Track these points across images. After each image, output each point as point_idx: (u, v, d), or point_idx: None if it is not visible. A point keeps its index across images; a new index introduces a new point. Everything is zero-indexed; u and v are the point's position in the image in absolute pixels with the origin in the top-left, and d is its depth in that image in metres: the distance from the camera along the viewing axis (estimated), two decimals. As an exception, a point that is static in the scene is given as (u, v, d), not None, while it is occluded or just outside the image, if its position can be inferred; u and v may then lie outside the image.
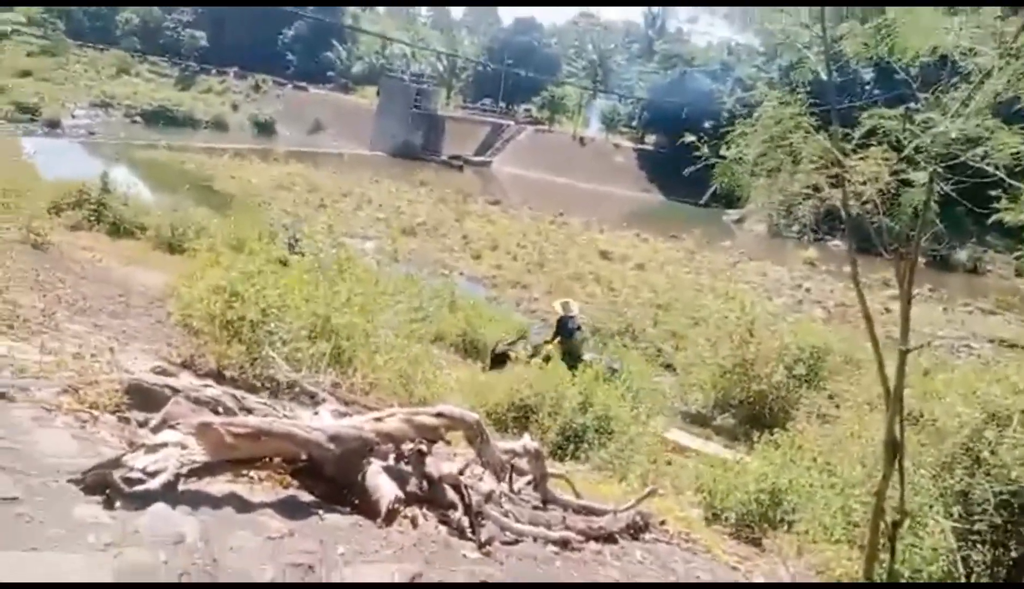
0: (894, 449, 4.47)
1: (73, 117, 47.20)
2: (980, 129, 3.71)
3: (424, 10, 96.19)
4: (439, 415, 3.86)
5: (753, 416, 11.00)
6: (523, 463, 4.59)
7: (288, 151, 45.11)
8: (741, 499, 5.64)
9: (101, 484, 2.39)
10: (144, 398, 3.61)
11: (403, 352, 9.11)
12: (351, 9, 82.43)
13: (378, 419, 3.69)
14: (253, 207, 23.89)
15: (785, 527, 5.46)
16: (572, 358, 10.98)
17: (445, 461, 4.06)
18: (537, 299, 21.13)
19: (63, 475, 2.44)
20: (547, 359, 10.44)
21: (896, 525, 4.49)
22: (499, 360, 12.14)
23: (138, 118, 52.12)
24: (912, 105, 4.19)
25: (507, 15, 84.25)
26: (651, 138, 58.32)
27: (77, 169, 21.74)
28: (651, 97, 58.48)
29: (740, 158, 4.53)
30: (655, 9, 79.95)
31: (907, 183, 4.24)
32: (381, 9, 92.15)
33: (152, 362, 5.94)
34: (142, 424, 3.32)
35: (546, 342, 12.31)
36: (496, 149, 57.74)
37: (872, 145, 4.19)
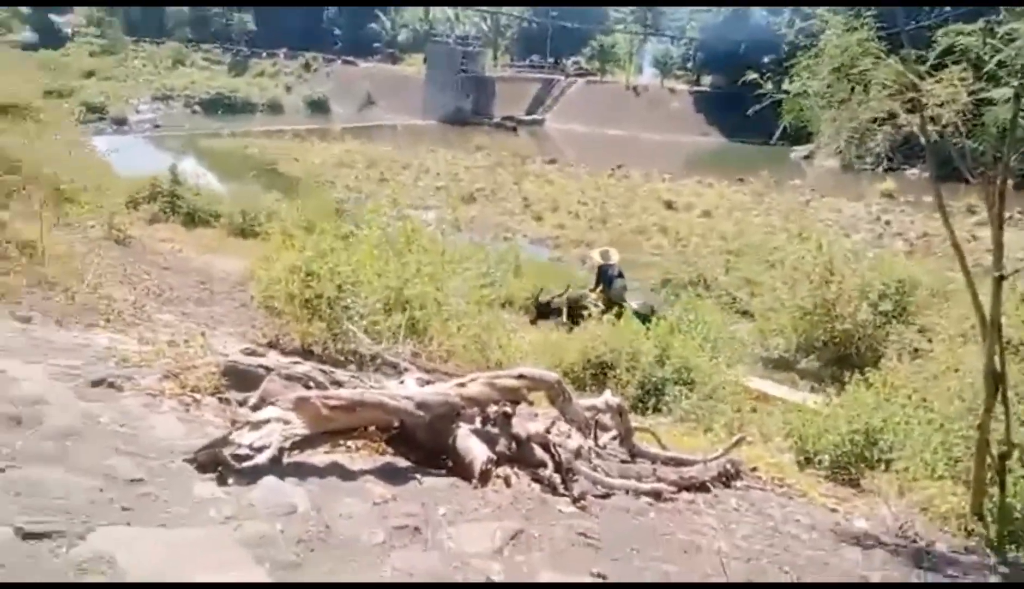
0: (995, 380, 4.25)
1: (137, 112, 48.85)
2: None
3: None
4: (520, 377, 3.88)
5: (839, 357, 10.64)
6: (607, 419, 4.59)
7: (344, 128, 45.64)
8: (834, 441, 5.49)
9: (213, 462, 2.52)
10: (239, 379, 3.77)
11: (475, 319, 9.21)
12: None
13: (461, 384, 3.75)
14: (318, 187, 24.37)
15: (883, 466, 5.29)
16: (616, 305, 10.90)
17: (531, 421, 4.10)
18: (602, 256, 20.96)
19: (177, 456, 2.58)
20: (605, 309, 10.24)
21: (1004, 458, 4.29)
22: (543, 312, 12.24)
23: (197, 107, 53.54)
24: (993, 17, 3.89)
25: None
26: (707, 79, 56.23)
27: (147, 163, 22.61)
28: (705, 37, 56.22)
29: (806, 91, 4.31)
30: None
31: (989, 102, 3.96)
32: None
33: (241, 344, 6.19)
34: (241, 403, 3.47)
35: (590, 290, 12.17)
36: (548, 106, 56.88)
37: (948, 65, 3.92)
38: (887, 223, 25.94)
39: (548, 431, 3.85)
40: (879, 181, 30.62)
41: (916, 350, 10.14)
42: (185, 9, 73.72)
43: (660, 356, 8.31)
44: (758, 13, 51.66)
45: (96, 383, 3.50)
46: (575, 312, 11.07)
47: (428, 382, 4.33)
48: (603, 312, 10.11)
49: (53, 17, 69.83)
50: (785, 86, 4.55)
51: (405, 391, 3.57)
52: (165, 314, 8.45)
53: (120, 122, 44.51)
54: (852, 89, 4.22)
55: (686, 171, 34.90)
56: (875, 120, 4.20)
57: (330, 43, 71.27)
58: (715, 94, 51.86)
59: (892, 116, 4.16)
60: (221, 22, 72.08)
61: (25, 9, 68.53)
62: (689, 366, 8.14)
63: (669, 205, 26.99)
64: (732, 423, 6.66)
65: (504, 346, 8.94)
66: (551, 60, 65.31)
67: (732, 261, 18.28)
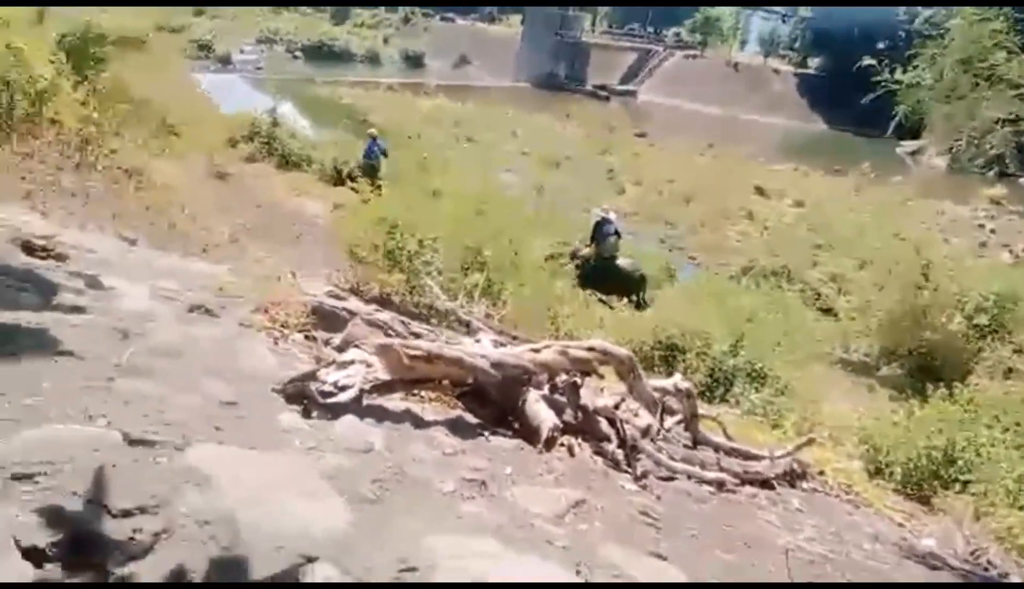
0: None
1: (241, 52, 50.27)
2: None
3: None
4: (592, 349, 3.89)
5: (924, 368, 10.14)
6: (674, 402, 4.55)
7: (437, 85, 45.88)
8: (909, 454, 5.28)
9: (299, 395, 2.66)
10: (325, 319, 3.93)
11: (548, 286, 9.25)
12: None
13: (535, 350, 3.79)
14: (405, 140, 24.71)
15: (959, 488, 5.07)
16: (605, 261, 11.89)
17: (598, 395, 4.11)
18: (685, 236, 20.48)
19: (267, 384, 2.73)
20: (586, 262, 11.73)
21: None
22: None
23: (299, 53, 54.85)
24: None
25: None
26: (814, 62, 53.50)
27: (247, 102, 23.37)
28: (816, 16, 53.33)
29: (921, 82, 4.05)
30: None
31: None
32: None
33: (325, 286, 6.42)
34: (326, 342, 3.62)
35: (585, 246, 12.50)
36: (642, 77, 55.49)
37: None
38: (992, 231, 24.30)
39: (616, 407, 3.86)
40: (988, 186, 28.62)
41: (1010, 370, 9.58)
42: (294, -47, 75.02)
43: (733, 345, 8.13)
44: (877, -5, 48.56)
45: (194, 307, 3.72)
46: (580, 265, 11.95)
47: (502, 344, 4.40)
48: (592, 266, 11.57)
49: (172, -47, 72.37)
50: (900, 76, 4.30)
51: (481, 349, 3.64)
52: (257, 250, 8.85)
53: (224, 61, 46.01)
54: (976, 85, 3.95)
55: (782, 156, 33.51)
56: (997, 120, 3.93)
57: (431, -1, 71.46)
58: (821, 78, 49.36)
59: (1018, 118, 3.88)
60: (328, -32, 73.01)
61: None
62: (763, 359, 7.94)
63: (760, 190, 26.03)
64: (803, 422, 6.49)
65: (575, 316, 8.95)
66: (651, 30, 63.50)
67: (820, 255, 17.57)
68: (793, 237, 19.53)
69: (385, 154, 16.07)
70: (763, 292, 11.88)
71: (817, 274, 15.93)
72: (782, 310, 10.37)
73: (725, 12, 60.75)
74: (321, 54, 54.82)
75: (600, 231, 12.43)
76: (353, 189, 12.50)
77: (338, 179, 15.99)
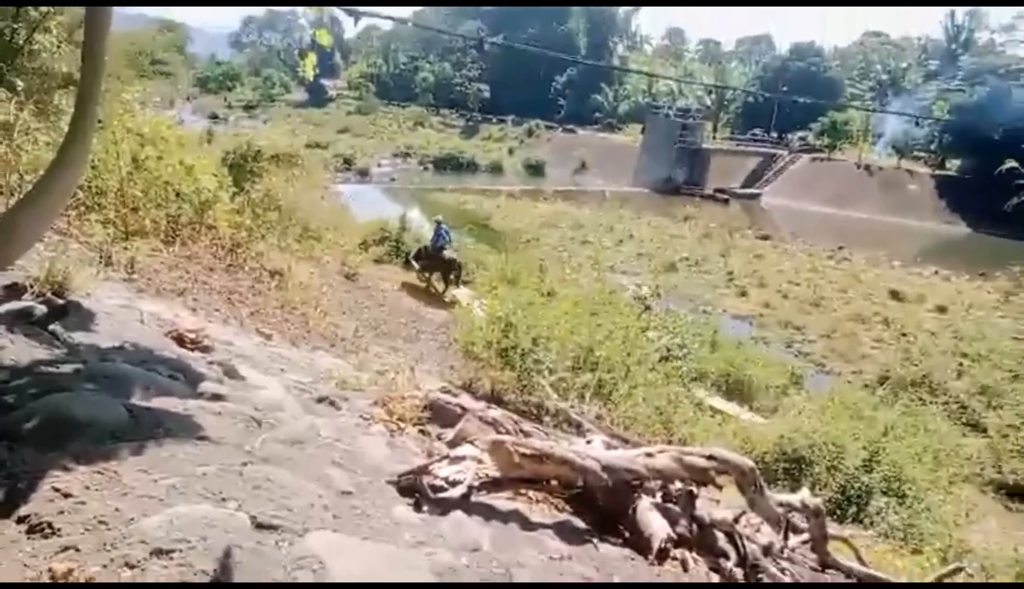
0: None
1: (379, 166, 54.81)
2: None
3: (693, 44, 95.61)
4: (710, 457, 3.72)
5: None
6: (800, 520, 4.23)
7: (555, 191, 47.52)
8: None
9: (412, 488, 2.72)
10: (439, 414, 4.04)
11: (663, 389, 9.01)
12: (619, 50, 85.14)
13: (648, 454, 3.68)
14: (523, 244, 25.52)
15: None
16: (435, 252, 16.98)
17: (717, 507, 3.90)
18: (813, 341, 19.46)
19: (382, 476, 2.82)
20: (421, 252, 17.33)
21: None
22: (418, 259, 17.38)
23: (429, 165, 58.95)
24: None
25: (783, 41, 79.65)
26: (953, 163, 50.89)
27: (381, 211, 25.18)
28: (955, 117, 51.14)
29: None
30: (959, 20, 70.20)
31: None
32: (648, 48, 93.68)
33: (439, 382, 6.61)
34: (439, 437, 3.71)
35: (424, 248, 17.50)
36: (766, 180, 54.83)
37: None
38: None
39: (736, 521, 3.64)
40: None
41: None
42: (430, 77, 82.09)
43: (868, 460, 7.50)
44: (1021, 94, 46.09)
45: (320, 399, 3.95)
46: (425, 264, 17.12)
47: (613, 446, 4.31)
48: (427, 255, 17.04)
49: (323, 81, 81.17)
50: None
51: (592, 451, 3.59)
52: (378, 346, 9.30)
53: (363, 173, 50.20)
54: None
55: (919, 260, 31.60)
56: None
57: (555, 112, 75.26)
58: (962, 179, 46.74)
59: None
60: (460, 90, 79.08)
61: (301, 73, 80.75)
62: (902, 477, 7.25)
63: (895, 295, 24.54)
64: (949, 549, 5.80)
65: (691, 422, 8.63)
66: (775, 134, 63.26)
67: (967, 365, 16.09)
68: (934, 345, 18.09)
69: (450, 239, 17.86)
70: (902, 404, 10.97)
71: (963, 386, 14.56)
72: (923, 424, 9.50)
73: (854, 115, 59.65)
74: (450, 165, 58.58)
75: (435, 232, 17.42)
76: (424, 280, 16.73)
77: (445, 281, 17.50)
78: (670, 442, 7.15)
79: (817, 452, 7.75)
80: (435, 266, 17.00)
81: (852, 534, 5.61)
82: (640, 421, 7.72)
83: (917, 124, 55.92)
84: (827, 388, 13.85)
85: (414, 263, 17.31)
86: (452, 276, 16.81)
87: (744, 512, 3.71)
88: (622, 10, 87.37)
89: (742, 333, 19.52)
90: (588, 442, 4.11)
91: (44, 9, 11.96)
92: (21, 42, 11.49)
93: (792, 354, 18.35)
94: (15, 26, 11.62)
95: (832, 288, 25.01)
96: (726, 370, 13.75)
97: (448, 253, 17.06)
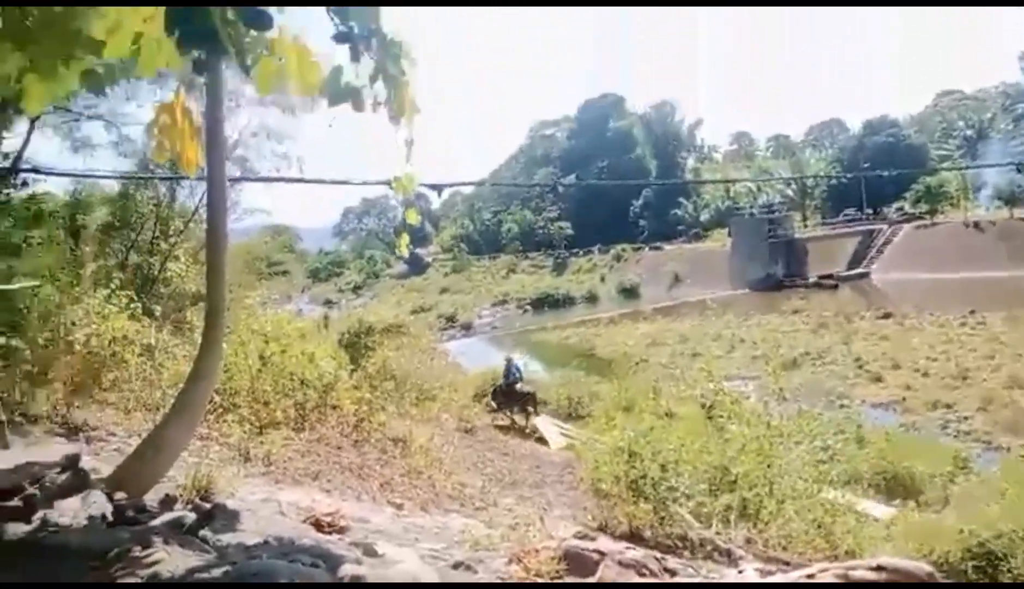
0: None
1: (479, 318, 56.73)
2: None
3: (763, 141, 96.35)
4: (879, 568, 3.37)
5: None
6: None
7: (654, 308, 47.25)
8: None
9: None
10: (576, 563, 3.90)
11: (814, 498, 8.32)
12: (690, 164, 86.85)
13: (809, 576, 3.37)
14: (632, 367, 25.17)
15: None
16: (508, 386, 17.64)
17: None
18: (968, 418, 17.64)
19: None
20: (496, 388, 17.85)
21: None
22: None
23: (527, 307, 60.45)
24: None
25: (854, 121, 78.92)
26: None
27: (488, 360, 25.71)
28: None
29: None
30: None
31: None
32: (719, 156, 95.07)
33: (573, 527, 6.41)
34: (579, 588, 3.56)
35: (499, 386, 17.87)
36: (871, 258, 52.47)
37: None
38: None
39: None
40: None
41: None
42: (514, 226, 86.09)
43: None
44: None
45: (455, 566, 3.91)
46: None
47: (770, 572, 3.98)
48: (501, 390, 17.69)
49: (418, 251, 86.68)
50: None
51: (745, 581, 3.34)
52: (506, 498, 9.19)
53: (467, 327, 52.00)
54: None
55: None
56: None
57: (637, 234, 76.47)
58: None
59: None
60: (544, 232, 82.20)
61: (398, 252, 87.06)
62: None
63: (1052, 352, 22.19)
64: None
65: (855, 531, 7.87)
66: (869, 211, 61.25)
67: None
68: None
69: (520, 374, 18.62)
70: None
71: None
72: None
73: (948, 177, 57.25)
74: (547, 304, 59.88)
75: (506, 369, 18.19)
76: (507, 416, 17.17)
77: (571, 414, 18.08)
78: (835, 558, 6.50)
79: (1010, 543, 6.81)
80: (512, 401, 17.58)
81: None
82: (797, 539, 7.11)
83: (1019, 171, 52.76)
84: (999, 467, 12.36)
85: (491, 403, 17.75)
86: (529, 408, 17.38)
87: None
88: (685, 126, 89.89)
89: (888, 422, 17.97)
90: (740, 572, 3.84)
91: (172, 239, 13.74)
92: (156, 273, 13.14)
93: (950, 435, 16.63)
94: (151, 260, 13.36)
95: (975, 356, 22.91)
96: (881, 467, 12.59)
97: (521, 387, 17.71)
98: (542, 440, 15.86)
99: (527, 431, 16.64)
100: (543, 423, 17.17)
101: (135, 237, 13.32)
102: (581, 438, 15.31)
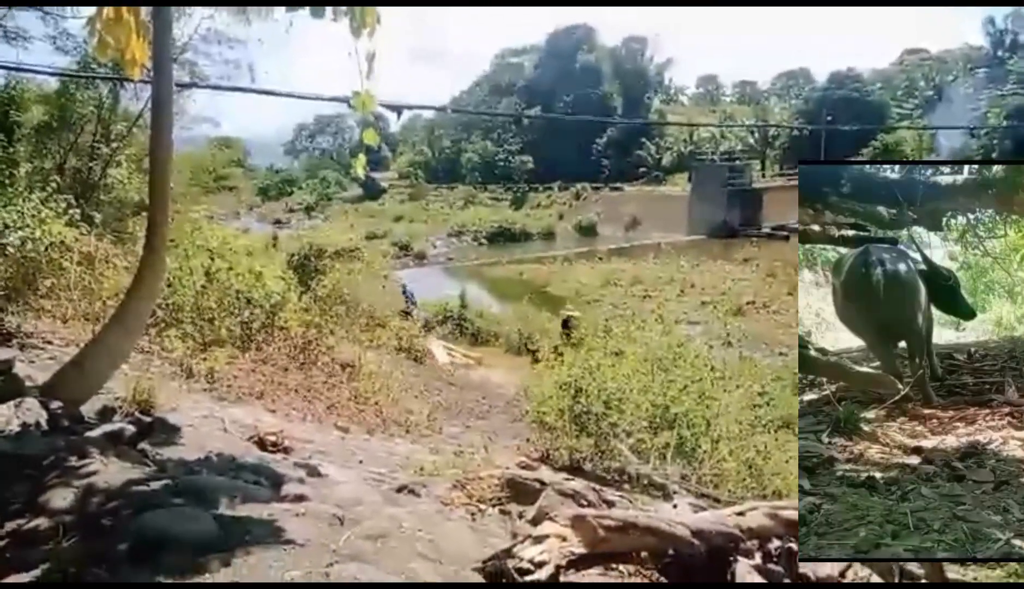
0: None
1: (434, 248, 56.02)
2: None
3: (728, 88, 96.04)
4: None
5: None
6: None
7: (609, 249, 47.53)
8: None
9: (498, 573, 2.66)
10: (518, 491, 3.98)
11: (748, 440, 8.65)
12: (655, 105, 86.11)
13: (740, 513, 3.52)
14: (584, 306, 25.43)
15: None
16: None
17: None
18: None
19: (467, 564, 2.78)
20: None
21: None
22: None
23: (483, 240, 59.99)
24: None
25: (820, 72, 78.74)
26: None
27: (441, 291, 25.63)
28: (1014, 122, 49.34)
29: None
30: (1000, 24, 68.55)
31: None
32: (685, 98, 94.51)
33: (516, 457, 6.54)
34: (520, 515, 3.64)
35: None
36: (825, 211, 53.58)
37: None
38: None
39: (843, 575, 3.42)
40: None
41: None
42: (474, 156, 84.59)
43: None
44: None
45: (399, 489, 3.96)
46: None
47: (702, 508, 4.14)
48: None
49: (374, 175, 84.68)
50: None
51: (679, 516, 3.45)
52: (453, 426, 9.31)
53: (421, 257, 51.40)
54: None
55: None
56: None
57: (599, 173, 76.03)
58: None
59: None
60: (505, 165, 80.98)
61: (353, 173, 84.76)
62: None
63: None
64: None
65: (783, 473, 8.23)
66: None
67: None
68: None
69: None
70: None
71: None
72: None
73: (905, 136, 58.24)
74: (503, 238, 59.49)
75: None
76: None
77: (521, 350, 17.84)
78: (764, 497, 6.81)
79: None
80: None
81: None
82: (729, 477, 7.41)
83: (972, 135, 54.05)
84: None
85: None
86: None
87: (849, 566, 3.49)
88: (653, 65, 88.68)
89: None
90: (674, 506, 3.97)
91: (115, 144, 13.07)
92: (96, 178, 12.53)
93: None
94: (91, 164, 12.71)
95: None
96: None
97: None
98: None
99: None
100: (434, 345, 17.40)
101: (74, 139, 12.61)
102: (470, 360, 16.81)
